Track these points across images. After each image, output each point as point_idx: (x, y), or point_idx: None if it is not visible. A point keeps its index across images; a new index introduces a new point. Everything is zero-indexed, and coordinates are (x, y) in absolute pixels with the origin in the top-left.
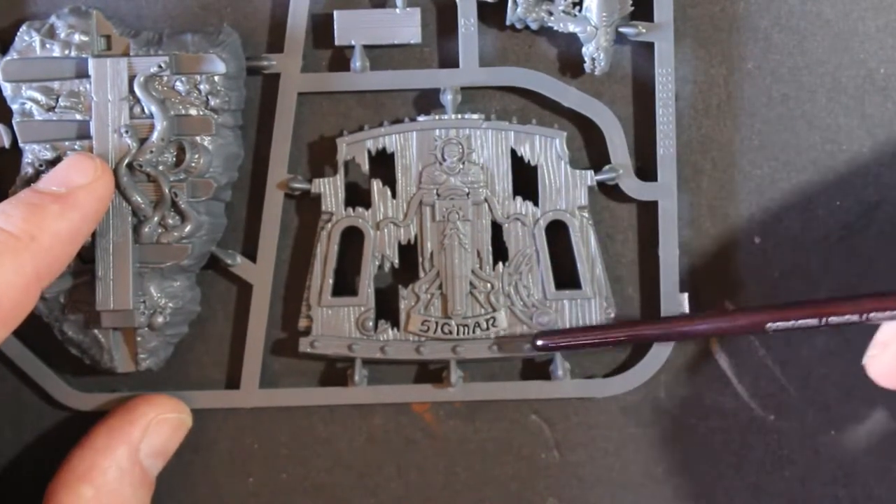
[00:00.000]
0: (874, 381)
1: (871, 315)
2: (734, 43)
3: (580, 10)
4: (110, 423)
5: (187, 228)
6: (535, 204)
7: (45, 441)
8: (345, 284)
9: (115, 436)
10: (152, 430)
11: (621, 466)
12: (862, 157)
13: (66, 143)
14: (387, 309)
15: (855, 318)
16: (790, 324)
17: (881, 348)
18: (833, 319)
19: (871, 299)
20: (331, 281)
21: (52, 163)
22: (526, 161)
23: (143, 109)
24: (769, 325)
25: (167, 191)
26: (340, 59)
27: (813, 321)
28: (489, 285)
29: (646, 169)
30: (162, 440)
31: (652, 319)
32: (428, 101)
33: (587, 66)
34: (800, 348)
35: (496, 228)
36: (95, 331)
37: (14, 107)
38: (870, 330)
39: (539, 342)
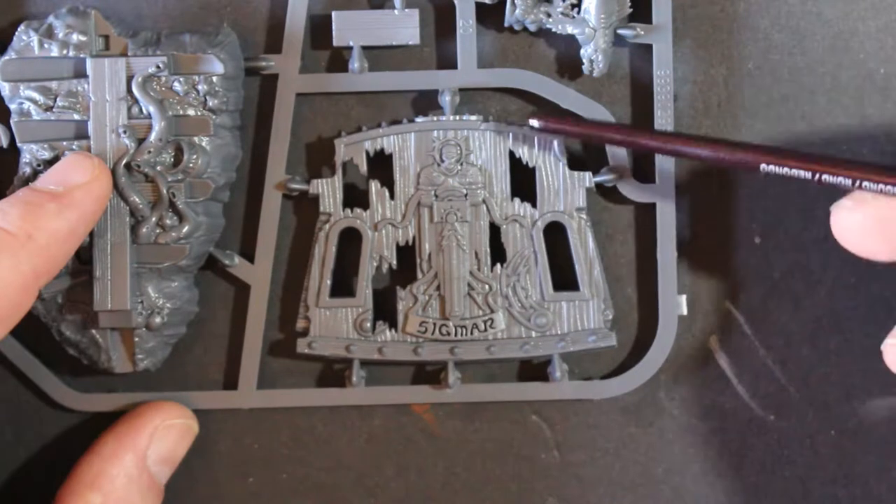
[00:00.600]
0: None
1: (865, 184)
2: (734, 43)
3: (579, 12)
4: (117, 430)
5: (185, 229)
6: (534, 205)
7: (43, 441)
8: (343, 285)
9: (122, 443)
10: (159, 436)
11: (621, 466)
12: (862, 157)
13: (64, 143)
14: (385, 310)
15: (848, 182)
16: (784, 170)
17: (855, 203)
18: (826, 178)
19: (870, 169)
20: (329, 282)
21: (50, 162)
22: (524, 162)
23: (141, 110)
24: (763, 165)
25: (165, 191)
26: (339, 60)
27: (807, 174)
28: (487, 287)
29: (644, 171)
30: (169, 446)
31: (653, 131)
32: (426, 103)
33: (586, 67)
34: (800, 348)
35: (494, 230)
36: (93, 331)
37: (12, 106)
38: (869, 325)
39: (534, 122)
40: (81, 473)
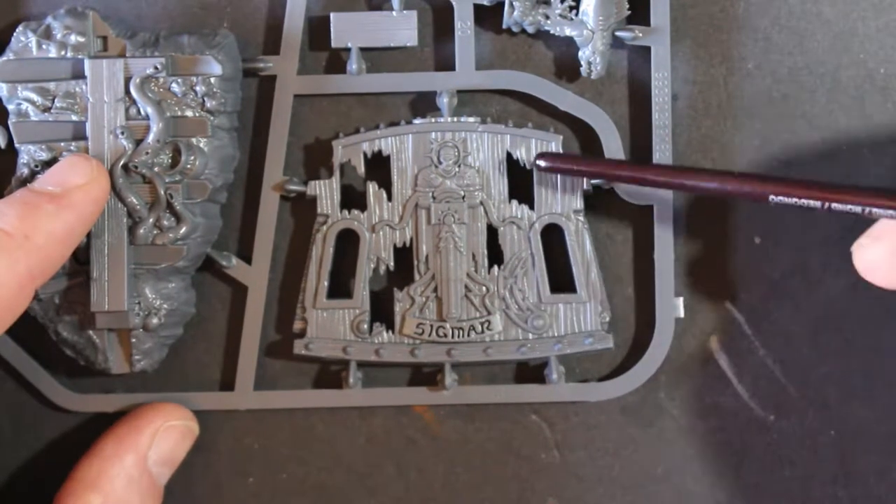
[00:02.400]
0: (858, 272)
1: (875, 211)
2: (734, 43)
3: (577, 14)
4: (118, 431)
5: (182, 230)
6: (531, 207)
7: (40, 442)
8: (340, 287)
9: (122, 443)
10: (160, 437)
11: (621, 466)
12: (862, 157)
13: (62, 144)
14: (382, 311)
15: (858, 209)
16: (793, 200)
17: (872, 240)
18: (836, 206)
19: (879, 195)
20: (326, 283)
21: (48, 164)
22: (522, 164)
23: (139, 111)
24: (772, 196)
25: (162, 192)
26: (337, 62)
27: (816, 203)
28: (484, 289)
29: None
30: (170, 447)
31: (661, 166)
32: (424, 104)
33: (584, 69)
34: (800, 348)
35: (492, 232)
36: (90, 332)
37: (10, 107)
38: (868, 325)
39: (541, 163)
40: (81, 474)
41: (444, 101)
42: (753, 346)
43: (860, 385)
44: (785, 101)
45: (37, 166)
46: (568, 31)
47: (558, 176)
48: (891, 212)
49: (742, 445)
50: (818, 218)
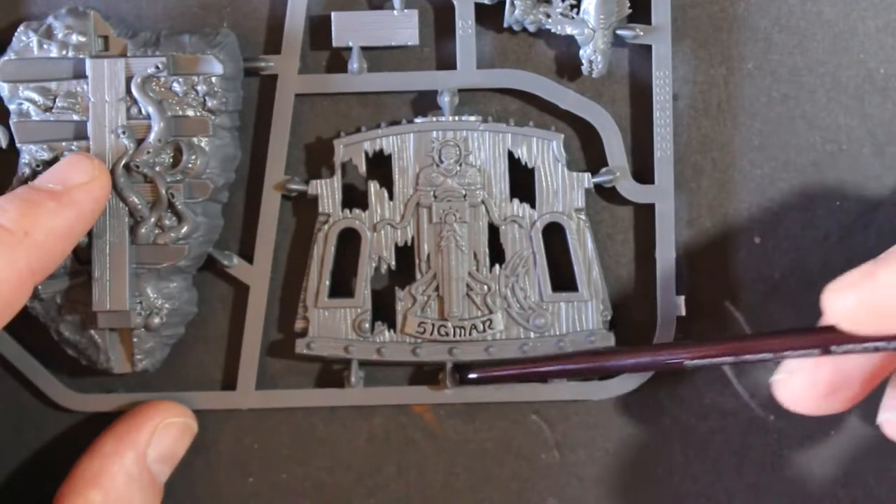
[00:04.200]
0: (782, 404)
1: (786, 353)
2: (734, 43)
3: (578, 13)
4: (117, 428)
5: (184, 229)
6: (532, 206)
7: (42, 441)
8: (341, 286)
9: (122, 441)
10: (159, 434)
11: (621, 466)
12: (862, 157)
13: (63, 144)
14: (383, 311)
15: (769, 356)
16: (707, 361)
17: (787, 375)
18: (748, 357)
19: (786, 337)
20: (327, 282)
21: (49, 163)
22: (523, 163)
23: (140, 110)
24: (687, 362)
25: (164, 192)
26: (338, 61)
27: (730, 358)
28: (486, 287)
29: (643, 172)
30: (169, 445)
31: (573, 353)
32: (425, 103)
33: (585, 68)
34: None
35: (493, 230)
36: (92, 331)
37: (11, 107)
38: None
39: (472, 375)
40: (82, 472)
41: (445, 100)
42: None
43: None
44: (785, 101)
45: (38, 166)
46: (569, 30)
47: (559, 175)
48: (801, 351)
49: (742, 445)
50: (818, 218)
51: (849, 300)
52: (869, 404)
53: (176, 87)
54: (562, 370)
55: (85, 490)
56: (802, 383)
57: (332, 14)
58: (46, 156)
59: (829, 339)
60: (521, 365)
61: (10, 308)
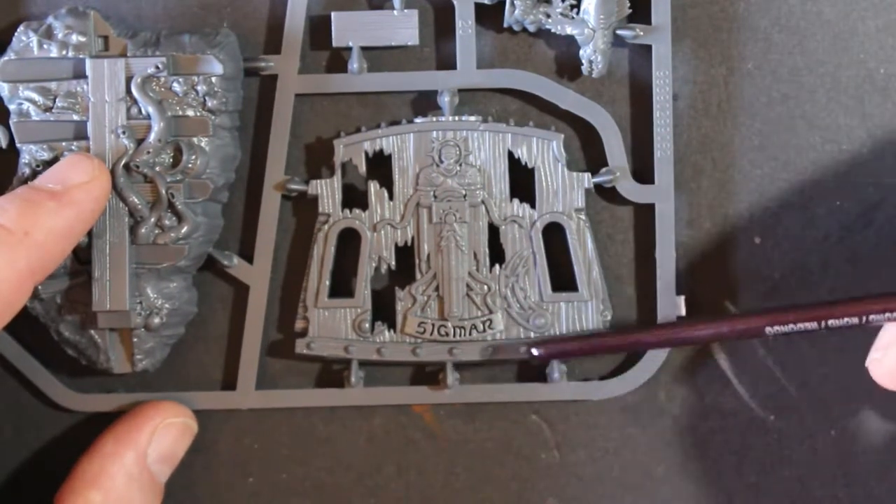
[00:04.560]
0: (878, 384)
1: (872, 317)
2: (734, 43)
3: (578, 13)
4: (117, 429)
5: (184, 229)
6: (532, 206)
7: (42, 442)
8: (341, 286)
9: (122, 441)
10: (159, 434)
11: (621, 466)
12: (862, 157)
13: (63, 144)
14: (383, 311)
15: (855, 320)
16: (789, 327)
17: (883, 351)
18: (833, 322)
19: (871, 301)
20: (327, 282)
21: (49, 163)
22: (523, 163)
23: (140, 110)
24: (768, 328)
25: (164, 192)
26: (338, 61)
27: (812, 324)
28: (486, 287)
29: (643, 171)
30: (169, 445)
31: (649, 326)
32: (425, 103)
33: (585, 68)
34: (800, 348)
35: (493, 230)
36: (92, 332)
37: (11, 107)
38: (871, 331)
39: (534, 351)
40: (82, 472)
41: (445, 100)
42: (753, 346)
43: (860, 385)
44: (785, 101)
45: (38, 166)
46: (569, 30)
47: (559, 175)
48: (888, 315)
49: (742, 445)
50: (818, 218)
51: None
52: (869, 404)
53: (176, 87)
54: (636, 342)
55: (85, 490)
56: None
57: (333, 14)
58: (46, 156)
59: None
60: (590, 339)
61: (11, 308)
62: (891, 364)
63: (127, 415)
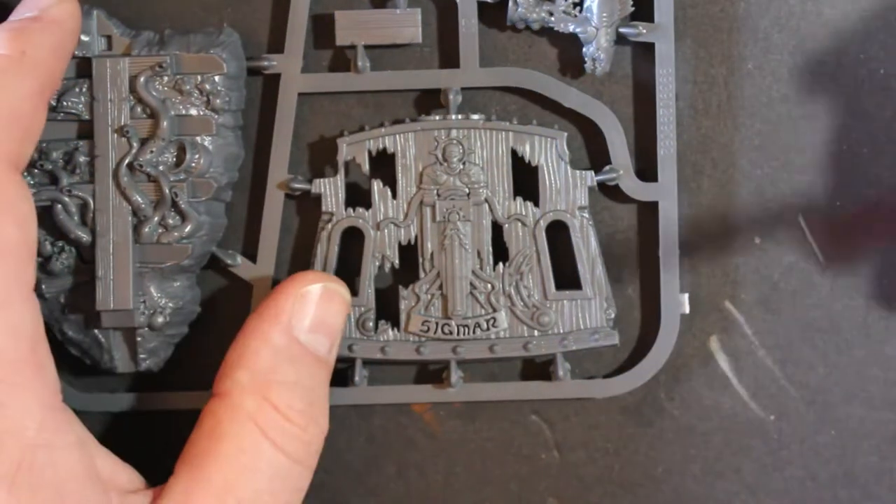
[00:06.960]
0: (878, 383)
1: None
2: (734, 43)
3: (581, 11)
4: (259, 308)
5: (187, 228)
6: (536, 204)
7: None
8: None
9: (262, 317)
10: (299, 303)
11: (621, 466)
12: (862, 157)
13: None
14: (387, 309)
15: None
16: None
17: None
18: None
19: None
20: None
21: (52, 163)
22: (526, 161)
23: (143, 109)
24: None
25: (167, 191)
26: (341, 60)
27: None
28: (489, 286)
29: (646, 169)
30: (314, 312)
31: None
32: (428, 102)
33: (588, 66)
34: (800, 348)
35: (496, 229)
36: (95, 331)
37: None
38: (871, 331)
39: None
40: (228, 356)
41: (448, 99)
42: (753, 346)
43: (860, 385)
44: (785, 101)
45: (42, 165)
46: (572, 28)
47: (562, 173)
48: None
49: (742, 445)
50: (818, 217)
51: None
52: (869, 404)
53: (179, 86)
54: None
55: (231, 372)
56: None
57: (336, 13)
58: (51, 156)
59: None
60: None
61: (30, 135)
62: None
63: (269, 292)
